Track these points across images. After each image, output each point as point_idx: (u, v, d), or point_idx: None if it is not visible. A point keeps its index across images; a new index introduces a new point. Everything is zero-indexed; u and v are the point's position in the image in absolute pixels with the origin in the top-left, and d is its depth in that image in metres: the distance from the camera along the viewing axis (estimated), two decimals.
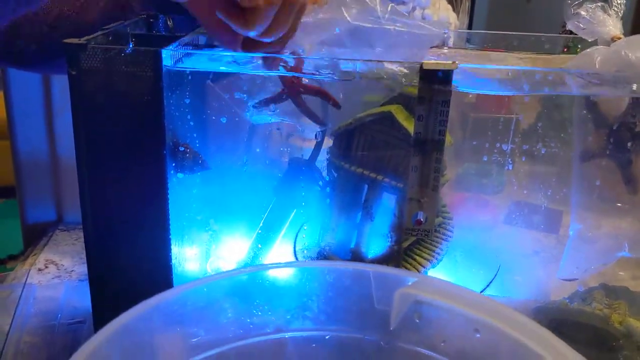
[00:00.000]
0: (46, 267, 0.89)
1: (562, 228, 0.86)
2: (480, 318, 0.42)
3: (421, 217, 0.56)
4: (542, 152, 0.73)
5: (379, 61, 0.52)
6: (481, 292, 0.66)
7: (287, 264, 0.48)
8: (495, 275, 0.68)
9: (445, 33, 0.54)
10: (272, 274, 0.46)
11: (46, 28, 0.63)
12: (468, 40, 0.88)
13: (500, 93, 0.57)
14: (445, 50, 0.75)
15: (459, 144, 0.72)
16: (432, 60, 0.52)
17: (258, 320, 0.46)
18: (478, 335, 0.42)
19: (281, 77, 0.58)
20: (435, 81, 0.51)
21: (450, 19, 1.02)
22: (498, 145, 0.72)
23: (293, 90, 0.59)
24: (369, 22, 0.54)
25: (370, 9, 0.54)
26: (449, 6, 1.04)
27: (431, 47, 0.77)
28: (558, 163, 0.76)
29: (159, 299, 0.41)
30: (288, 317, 0.46)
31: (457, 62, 0.52)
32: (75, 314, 0.77)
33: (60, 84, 0.97)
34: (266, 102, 0.60)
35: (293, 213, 0.65)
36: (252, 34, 0.50)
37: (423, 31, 0.54)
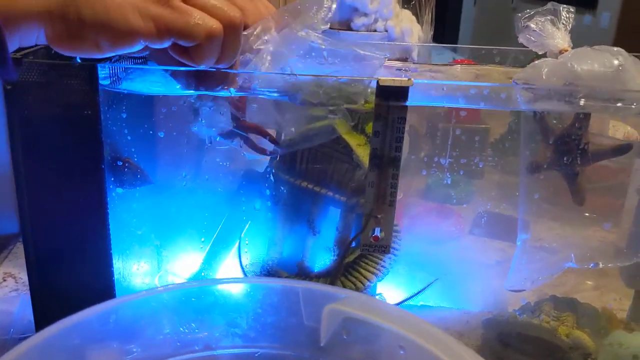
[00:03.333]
0: (4, 280, 0.88)
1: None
2: (404, 335, 0.42)
3: (378, 233, 0.56)
4: (510, 162, 0.73)
5: (333, 77, 0.52)
6: (406, 300, 0.66)
7: (216, 281, 0.48)
8: (428, 286, 0.68)
9: (386, 57, 0.54)
10: (201, 290, 0.45)
11: None
12: (454, 50, 0.88)
13: (438, 104, 0.57)
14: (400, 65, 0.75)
15: (429, 154, 0.72)
16: (388, 77, 0.51)
17: (187, 337, 0.45)
18: (402, 352, 0.42)
19: (232, 103, 0.58)
20: (392, 97, 0.51)
21: (414, 31, 1.02)
22: (466, 154, 0.72)
23: (240, 125, 0.59)
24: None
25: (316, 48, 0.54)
26: (413, 18, 1.04)
27: (395, 60, 0.78)
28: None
29: (83, 315, 0.40)
30: (217, 334, 0.46)
31: (412, 78, 0.52)
32: (29, 328, 0.76)
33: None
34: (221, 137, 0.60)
35: (247, 226, 0.64)
36: (203, 67, 0.50)
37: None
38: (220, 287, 0.46)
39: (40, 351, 0.39)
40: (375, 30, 0.97)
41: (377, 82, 0.50)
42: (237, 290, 0.46)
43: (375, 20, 0.97)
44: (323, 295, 0.45)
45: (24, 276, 0.89)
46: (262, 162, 0.65)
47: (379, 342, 0.43)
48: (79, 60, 0.51)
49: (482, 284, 0.78)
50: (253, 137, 0.59)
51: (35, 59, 0.53)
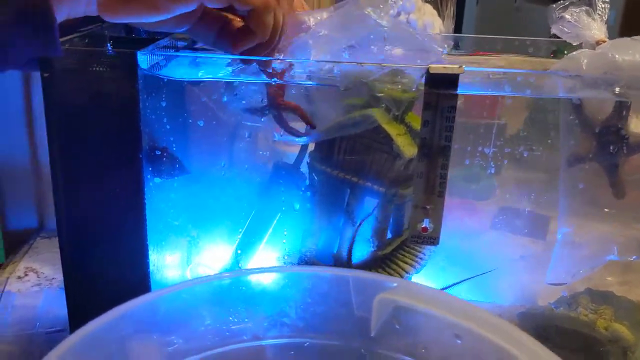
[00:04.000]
0: (26, 274, 0.87)
1: (549, 234, 0.86)
2: (461, 323, 0.41)
3: (427, 224, 0.55)
4: (529, 157, 0.73)
5: (380, 65, 0.51)
6: (447, 288, 0.65)
7: (265, 269, 0.47)
8: (477, 275, 0.67)
9: (444, 52, 0.53)
10: (249, 279, 0.45)
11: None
12: (457, 45, 0.87)
13: (486, 93, 0.56)
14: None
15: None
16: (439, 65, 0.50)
17: (235, 327, 0.44)
18: (459, 342, 0.41)
19: (266, 86, 0.57)
20: (442, 86, 0.50)
21: (435, 24, 1.01)
22: (486, 150, 0.71)
23: (274, 103, 0.58)
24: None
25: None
26: (434, 11, 1.03)
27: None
28: (545, 168, 0.75)
29: (129, 306, 0.39)
30: (265, 324, 0.45)
31: (462, 66, 0.51)
32: (54, 322, 0.75)
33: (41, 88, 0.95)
34: (250, 111, 0.59)
35: (277, 218, 0.63)
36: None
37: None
38: (269, 276, 0.45)
39: (89, 342, 0.38)
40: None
41: (427, 70, 0.49)
42: (285, 279, 0.45)
43: (398, 14, 0.96)
44: (374, 283, 0.44)
45: (45, 271, 0.88)
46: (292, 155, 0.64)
47: (432, 331, 0.43)
48: (109, 47, 0.51)
49: (510, 278, 0.78)
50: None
51: (73, 46, 0.52)
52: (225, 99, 0.56)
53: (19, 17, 0.42)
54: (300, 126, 0.65)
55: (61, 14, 0.44)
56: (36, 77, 0.94)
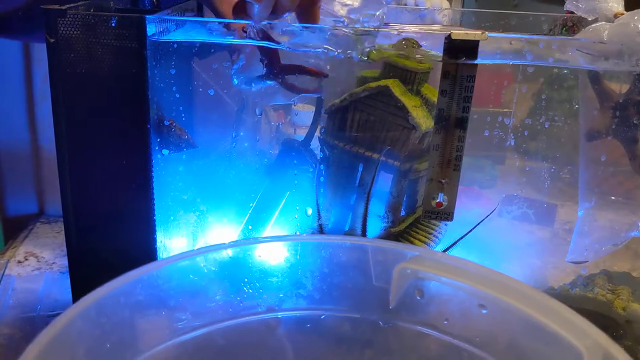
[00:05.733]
0: (26, 259, 0.85)
1: (556, 221, 0.85)
2: (486, 293, 0.39)
3: (442, 199, 0.53)
4: (536, 146, 0.72)
5: (396, 30, 0.49)
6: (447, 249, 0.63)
7: (279, 238, 0.46)
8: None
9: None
10: (264, 248, 0.43)
11: None
12: (461, 23, 0.86)
13: (506, 62, 0.54)
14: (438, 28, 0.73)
15: None
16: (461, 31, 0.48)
17: (248, 298, 0.43)
18: (484, 312, 0.39)
19: (263, 51, 0.55)
20: (462, 54, 0.48)
21: (443, 5, 1.00)
22: (492, 139, 0.70)
23: (274, 69, 0.56)
24: None
25: None
26: None
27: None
28: (551, 158, 0.74)
29: (140, 272, 0.38)
30: (280, 295, 0.43)
31: (485, 32, 0.49)
32: (55, 306, 0.73)
33: (42, 71, 0.94)
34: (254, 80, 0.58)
35: (286, 195, 0.62)
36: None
37: None
38: (285, 245, 0.43)
39: (97, 308, 0.36)
40: (405, 4, 0.95)
41: (449, 35, 0.47)
42: (301, 248, 0.43)
43: None
44: (394, 253, 0.42)
45: (45, 255, 0.86)
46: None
47: (455, 302, 0.41)
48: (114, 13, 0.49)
49: (520, 263, 0.77)
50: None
51: (79, 11, 0.50)
52: (233, 66, 0.54)
53: None
54: (309, 108, 0.64)
55: None
56: (37, 60, 0.93)
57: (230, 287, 0.42)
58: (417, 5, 0.94)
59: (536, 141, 0.75)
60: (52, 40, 0.49)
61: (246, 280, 0.42)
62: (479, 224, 0.63)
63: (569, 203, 0.77)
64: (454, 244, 0.61)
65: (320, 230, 0.57)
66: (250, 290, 0.42)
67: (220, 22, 0.50)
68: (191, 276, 0.40)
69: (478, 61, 0.49)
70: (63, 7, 0.49)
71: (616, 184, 0.61)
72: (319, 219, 0.57)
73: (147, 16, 0.49)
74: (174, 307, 0.41)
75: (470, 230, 0.63)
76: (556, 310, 0.36)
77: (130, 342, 0.39)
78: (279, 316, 0.43)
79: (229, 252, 0.42)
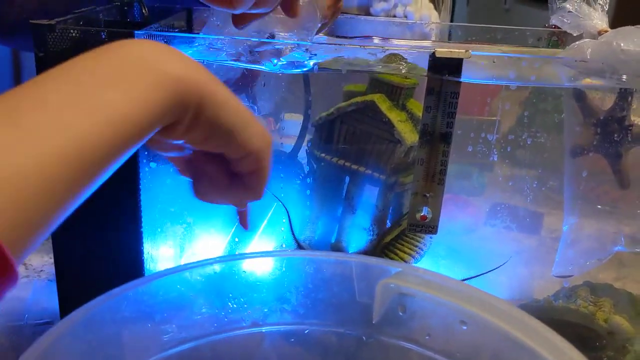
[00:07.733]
0: None
1: (542, 230, 0.85)
2: (466, 309, 0.40)
3: (426, 212, 0.54)
4: (523, 154, 0.72)
5: (381, 47, 0.50)
6: (465, 280, 0.64)
7: (264, 253, 0.46)
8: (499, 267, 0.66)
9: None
10: (248, 264, 0.43)
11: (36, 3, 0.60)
12: (450, 36, 0.87)
13: (489, 82, 0.55)
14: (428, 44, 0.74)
15: None
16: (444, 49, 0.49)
17: (233, 313, 0.43)
18: (464, 328, 0.40)
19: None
20: (446, 71, 0.49)
21: (432, 18, 1.01)
22: (478, 147, 0.71)
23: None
24: None
25: None
26: (431, 5, 1.03)
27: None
28: (539, 165, 0.75)
29: (125, 288, 0.38)
30: (265, 310, 0.44)
31: (469, 50, 0.50)
32: (43, 314, 0.73)
33: (32, 75, 0.94)
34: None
35: (273, 207, 0.62)
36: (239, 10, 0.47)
37: None
38: (269, 260, 0.44)
39: (86, 324, 0.37)
40: (394, 16, 0.96)
41: (433, 53, 0.48)
42: (286, 264, 0.44)
43: (395, 6, 0.96)
44: (377, 269, 0.43)
45: (34, 262, 0.86)
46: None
47: (437, 318, 0.42)
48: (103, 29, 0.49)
49: (506, 273, 0.77)
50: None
51: (68, 26, 0.50)
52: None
53: None
54: (297, 118, 0.64)
55: None
56: (26, 68, 0.93)
57: (214, 303, 0.43)
58: (405, 17, 0.95)
59: (524, 149, 0.76)
60: (40, 54, 0.50)
61: (231, 295, 0.43)
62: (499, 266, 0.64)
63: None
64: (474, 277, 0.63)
65: (298, 245, 0.58)
66: (235, 306, 0.43)
67: (204, 38, 0.51)
68: (178, 286, 0.41)
69: (462, 79, 0.49)
70: (52, 22, 0.49)
71: (602, 193, 0.62)
72: (293, 233, 0.58)
73: (136, 32, 0.49)
74: (159, 322, 0.42)
75: (491, 270, 0.64)
76: (534, 328, 0.37)
77: (118, 357, 0.39)
78: (264, 330, 0.44)
79: (215, 268, 0.42)
